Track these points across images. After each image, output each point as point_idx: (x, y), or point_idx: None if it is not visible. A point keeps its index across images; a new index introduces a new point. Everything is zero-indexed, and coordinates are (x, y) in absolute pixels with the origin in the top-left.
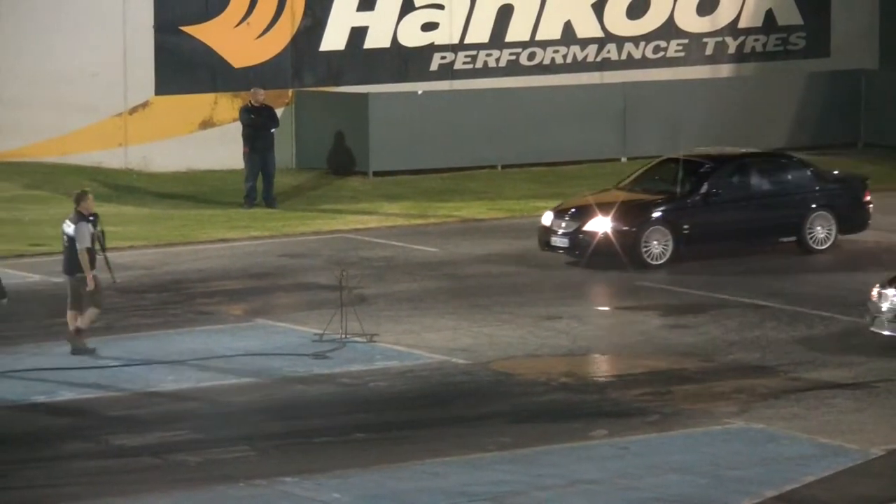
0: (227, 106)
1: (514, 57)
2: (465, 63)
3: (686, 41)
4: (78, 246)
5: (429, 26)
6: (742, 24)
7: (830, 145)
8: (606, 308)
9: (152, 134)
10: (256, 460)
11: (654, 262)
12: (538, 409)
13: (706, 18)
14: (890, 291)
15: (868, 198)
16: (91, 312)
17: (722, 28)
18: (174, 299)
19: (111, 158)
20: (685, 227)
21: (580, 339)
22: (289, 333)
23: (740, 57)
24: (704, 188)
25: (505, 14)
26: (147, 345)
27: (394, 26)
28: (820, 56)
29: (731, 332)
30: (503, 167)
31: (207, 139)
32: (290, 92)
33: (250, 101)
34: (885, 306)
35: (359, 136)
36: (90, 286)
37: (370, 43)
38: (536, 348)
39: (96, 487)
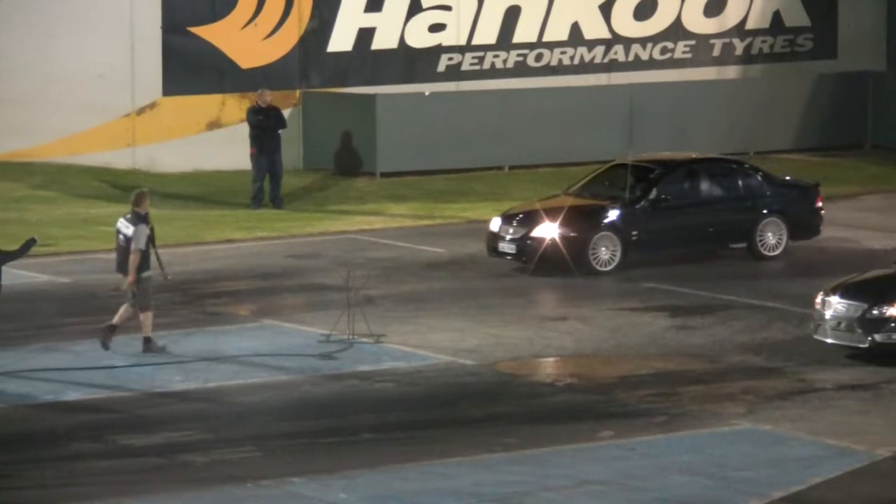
0: (234, 107)
1: (521, 58)
2: (472, 64)
3: (693, 42)
4: (133, 246)
5: (436, 27)
6: (749, 26)
7: (837, 147)
8: (611, 309)
9: (160, 134)
10: (263, 461)
11: (603, 269)
12: (545, 410)
13: (713, 20)
14: (833, 299)
15: (820, 203)
16: (147, 315)
17: (729, 29)
18: (181, 300)
19: (119, 159)
20: (634, 233)
21: (586, 340)
22: (296, 334)
23: (747, 58)
24: (653, 194)
25: (512, 15)
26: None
27: (401, 27)
28: (827, 58)
29: (737, 334)
30: (510, 168)
31: (215, 140)
32: (297, 93)
33: (257, 102)
34: (828, 314)
35: (366, 137)
36: (126, 286)
37: (377, 44)
38: (543, 349)
39: (103, 487)
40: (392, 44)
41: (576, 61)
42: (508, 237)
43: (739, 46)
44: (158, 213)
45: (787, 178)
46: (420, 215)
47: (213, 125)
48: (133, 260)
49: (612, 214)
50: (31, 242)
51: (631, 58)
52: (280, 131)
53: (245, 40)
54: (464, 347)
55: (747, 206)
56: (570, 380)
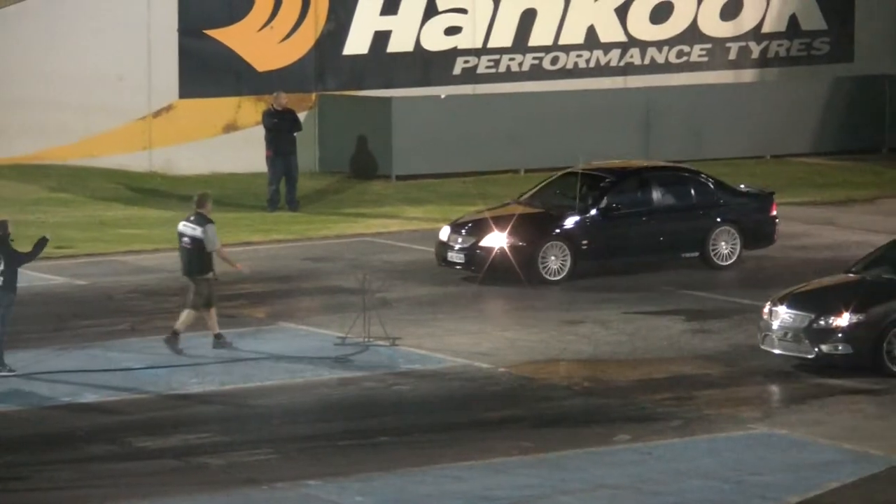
0: (250, 109)
1: (537, 61)
2: (487, 67)
3: (709, 46)
4: (209, 248)
5: (452, 30)
6: (766, 29)
7: (854, 150)
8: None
9: (176, 137)
10: (279, 463)
11: (552, 278)
12: (561, 414)
13: (730, 23)
14: (781, 309)
15: (775, 212)
16: (211, 313)
17: (745, 33)
18: None
19: (135, 161)
20: (584, 242)
21: (603, 344)
22: (311, 337)
23: (764, 62)
24: (604, 202)
25: (528, 18)
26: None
27: (417, 30)
28: (844, 61)
29: (754, 338)
30: (526, 171)
31: (231, 142)
32: (313, 96)
33: (273, 105)
34: (775, 324)
35: (382, 140)
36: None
37: (393, 47)
38: (559, 352)
39: (119, 489)
40: (408, 47)
41: (592, 64)
42: (458, 246)
43: (756, 50)
44: (174, 216)
45: (742, 186)
46: (436, 218)
47: (230, 128)
48: (223, 257)
49: (562, 223)
50: (43, 242)
51: (647, 61)
52: (295, 134)
53: (261, 43)
54: (480, 350)
55: (700, 214)
56: (586, 383)
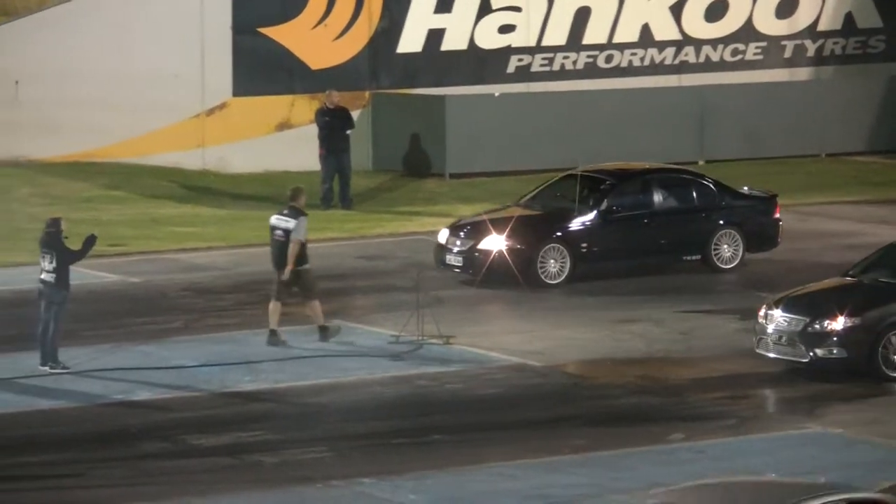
0: (304, 107)
1: (591, 59)
2: (542, 65)
3: (764, 44)
4: (294, 237)
5: (506, 28)
6: (821, 27)
7: None
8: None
9: (229, 135)
10: (333, 461)
11: (551, 282)
12: (614, 413)
13: (785, 21)
14: (777, 312)
15: (778, 215)
16: (314, 305)
17: (801, 31)
18: (251, 300)
19: (189, 159)
20: (583, 245)
21: (657, 343)
22: (365, 335)
23: (819, 60)
24: (604, 205)
25: (582, 16)
26: (224, 345)
27: (471, 28)
28: None
29: None
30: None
31: (284, 141)
32: (366, 94)
33: (325, 104)
34: (770, 328)
35: (435, 138)
36: (285, 276)
37: (447, 45)
38: (612, 351)
39: (173, 487)
40: (462, 45)
41: (646, 63)
42: (456, 249)
43: (811, 48)
44: (228, 214)
45: (745, 188)
46: None
47: (283, 126)
48: (293, 250)
49: (561, 226)
50: (92, 239)
51: (702, 59)
52: (348, 132)
53: (315, 41)
54: (533, 349)
55: (702, 217)
56: (640, 382)
